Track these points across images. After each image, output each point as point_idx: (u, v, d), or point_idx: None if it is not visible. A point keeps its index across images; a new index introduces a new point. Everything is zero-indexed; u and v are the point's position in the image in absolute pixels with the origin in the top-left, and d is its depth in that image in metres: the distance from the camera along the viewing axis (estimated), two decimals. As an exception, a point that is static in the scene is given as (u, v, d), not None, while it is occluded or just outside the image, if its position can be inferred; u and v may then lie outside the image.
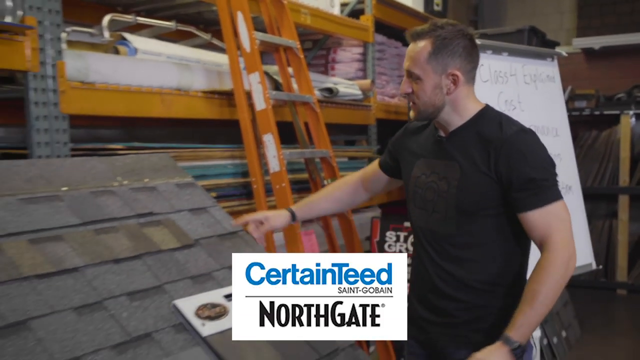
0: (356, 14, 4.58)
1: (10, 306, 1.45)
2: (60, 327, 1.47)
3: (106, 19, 2.98)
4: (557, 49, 3.13)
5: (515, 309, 1.71)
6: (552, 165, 1.78)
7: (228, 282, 1.94)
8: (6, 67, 2.18)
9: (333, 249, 3.52)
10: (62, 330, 1.46)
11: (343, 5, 4.53)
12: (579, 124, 6.02)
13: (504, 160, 1.69)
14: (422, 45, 1.71)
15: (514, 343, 1.65)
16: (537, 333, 2.71)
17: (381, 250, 3.87)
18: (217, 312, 1.76)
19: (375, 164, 2.14)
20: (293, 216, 2.09)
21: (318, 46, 4.72)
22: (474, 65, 1.84)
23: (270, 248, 2.94)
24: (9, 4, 2.19)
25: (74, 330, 1.48)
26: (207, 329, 1.68)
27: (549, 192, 1.72)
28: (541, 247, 1.72)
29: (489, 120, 1.78)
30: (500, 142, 1.71)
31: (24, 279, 1.53)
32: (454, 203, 1.74)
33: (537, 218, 1.70)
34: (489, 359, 1.65)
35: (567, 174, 2.99)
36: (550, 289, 1.65)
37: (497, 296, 1.79)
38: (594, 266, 3.00)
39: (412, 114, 1.82)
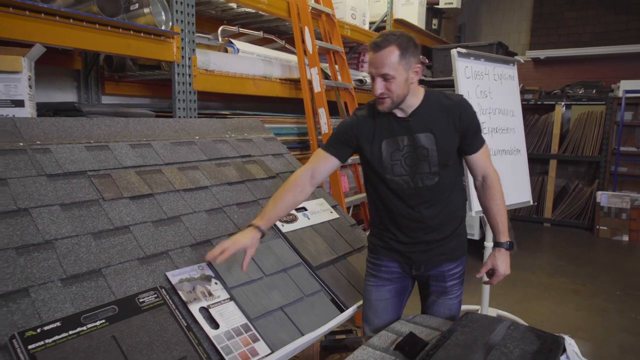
0: (380, 29, 4.51)
1: (168, 207, 1.56)
2: (198, 221, 1.58)
3: (220, 29, 3.04)
4: (516, 58, 3.06)
5: (463, 225, 1.65)
6: None
7: (297, 200, 2.03)
8: (162, 59, 2.25)
9: (359, 185, 3.60)
10: (199, 224, 1.58)
11: (371, 23, 4.46)
12: (526, 110, 5.92)
13: (464, 118, 1.52)
14: (389, 51, 1.45)
15: (509, 243, 1.61)
16: (490, 243, 2.75)
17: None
18: (290, 218, 1.86)
19: (321, 157, 1.61)
20: (261, 232, 1.51)
21: (353, 50, 4.66)
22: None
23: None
24: (164, 18, 2.27)
25: (207, 223, 1.60)
26: (284, 228, 1.79)
27: (482, 137, 1.60)
28: (483, 178, 1.61)
29: (436, 95, 1.57)
30: (457, 107, 1.53)
31: (176, 191, 1.64)
32: (436, 160, 1.52)
33: (479, 156, 1.59)
34: (503, 264, 1.59)
35: (518, 141, 2.96)
36: (504, 201, 1.62)
37: (460, 220, 1.65)
38: (531, 202, 3.01)
39: (382, 107, 1.50)
